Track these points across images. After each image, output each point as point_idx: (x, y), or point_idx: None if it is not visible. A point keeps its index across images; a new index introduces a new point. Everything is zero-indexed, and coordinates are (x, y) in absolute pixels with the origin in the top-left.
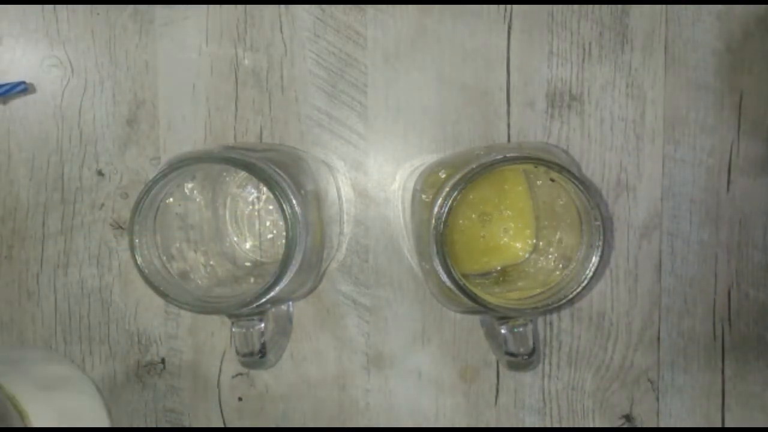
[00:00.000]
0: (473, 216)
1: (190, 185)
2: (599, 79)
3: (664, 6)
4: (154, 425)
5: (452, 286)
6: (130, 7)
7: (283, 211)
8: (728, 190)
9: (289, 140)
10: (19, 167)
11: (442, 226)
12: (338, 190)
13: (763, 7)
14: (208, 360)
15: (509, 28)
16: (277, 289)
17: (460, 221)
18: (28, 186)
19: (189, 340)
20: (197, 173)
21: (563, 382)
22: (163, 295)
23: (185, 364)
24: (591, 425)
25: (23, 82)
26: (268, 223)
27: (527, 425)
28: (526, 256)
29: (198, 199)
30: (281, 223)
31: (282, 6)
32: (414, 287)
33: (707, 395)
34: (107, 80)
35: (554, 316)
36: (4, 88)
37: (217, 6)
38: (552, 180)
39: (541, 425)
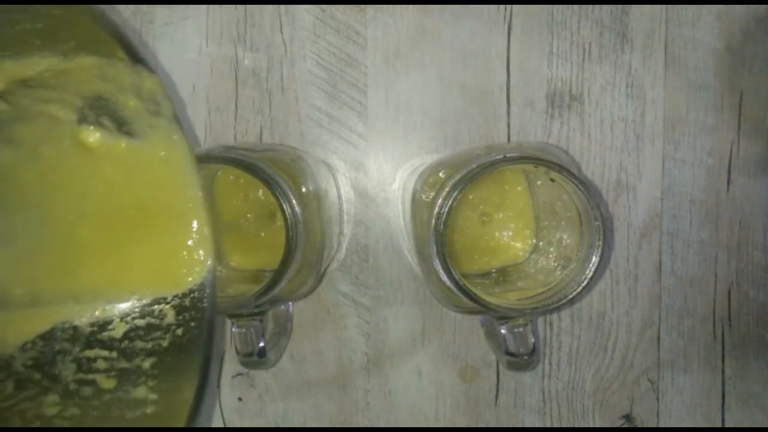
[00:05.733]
0: (473, 216)
1: None
2: (599, 79)
3: (664, 6)
4: None
5: (452, 286)
6: (131, 7)
7: (283, 211)
8: (728, 190)
9: (289, 140)
10: None
11: (442, 226)
12: (338, 190)
13: (763, 7)
14: None
15: (509, 28)
16: (277, 289)
17: (460, 221)
18: None
19: None
20: None
21: (563, 382)
22: None
23: None
24: (591, 425)
25: None
26: None
27: (527, 425)
28: (526, 256)
29: None
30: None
31: (282, 6)
32: (414, 287)
33: (707, 395)
34: None
35: (554, 316)
36: None
37: (217, 6)
38: (552, 180)
39: (541, 425)
